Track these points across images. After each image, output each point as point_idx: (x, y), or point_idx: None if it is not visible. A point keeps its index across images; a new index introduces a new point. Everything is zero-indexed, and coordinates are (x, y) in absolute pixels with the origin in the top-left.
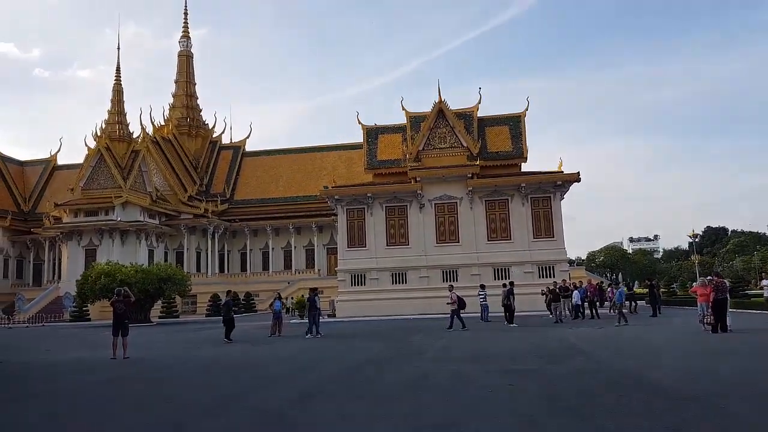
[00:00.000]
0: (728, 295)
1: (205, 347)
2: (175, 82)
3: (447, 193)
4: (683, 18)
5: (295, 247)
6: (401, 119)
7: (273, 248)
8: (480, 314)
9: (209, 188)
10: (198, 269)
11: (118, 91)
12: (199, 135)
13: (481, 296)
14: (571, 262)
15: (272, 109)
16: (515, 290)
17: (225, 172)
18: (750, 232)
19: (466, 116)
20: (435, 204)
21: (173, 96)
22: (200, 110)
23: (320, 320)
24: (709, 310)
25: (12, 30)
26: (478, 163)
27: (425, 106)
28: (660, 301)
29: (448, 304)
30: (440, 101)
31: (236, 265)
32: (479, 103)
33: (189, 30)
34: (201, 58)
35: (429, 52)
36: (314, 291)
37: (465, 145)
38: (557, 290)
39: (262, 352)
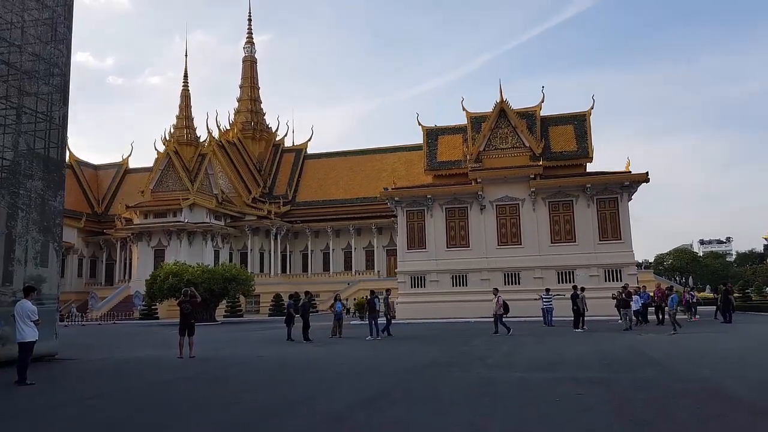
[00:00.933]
0: None
1: (270, 347)
2: (240, 87)
3: (509, 195)
4: (753, 8)
5: (355, 248)
6: (461, 120)
7: (333, 249)
8: (543, 318)
9: (272, 190)
10: (261, 269)
11: (185, 97)
12: (262, 138)
13: (546, 300)
14: (638, 265)
15: (333, 112)
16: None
17: (287, 175)
18: None
19: (528, 115)
20: (496, 205)
21: (238, 101)
22: (264, 114)
23: (390, 322)
24: None
25: (88, 39)
26: (541, 163)
27: (486, 107)
28: (733, 307)
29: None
30: (501, 101)
31: (298, 265)
32: (542, 101)
33: (253, 36)
34: (264, 63)
35: (490, 50)
36: (373, 293)
37: (527, 145)
38: (624, 295)
39: (325, 354)
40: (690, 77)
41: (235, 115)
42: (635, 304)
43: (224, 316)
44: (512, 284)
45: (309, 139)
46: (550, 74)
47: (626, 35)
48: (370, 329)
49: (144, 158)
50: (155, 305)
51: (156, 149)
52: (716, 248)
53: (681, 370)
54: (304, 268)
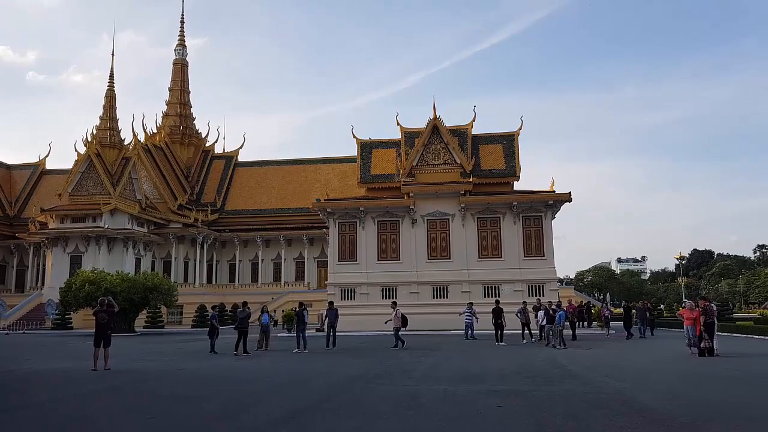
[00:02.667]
0: (715, 319)
1: (191, 360)
2: (169, 90)
3: (440, 210)
4: (676, 45)
5: (285, 259)
6: (396, 134)
7: (263, 259)
8: (465, 332)
9: (200, 197)
10: (185, 279)
11: (110, 97)
12: (191, 144)
13: (467, 314)
14: (560, 281)
15: (266, 121)
16: (505, 308)
17: (216, 182)
18: (735, 255)
19: (460, 133)
20: (427, 220)
21: (167, 104)
22: (193, 119)
23: (308, 334)
24: (705, 334)
25: (8, 33)
26: (471, 180)
27: (420, 122)
28: (643, 323)
29: (386, 322)
30: (435, 118)
31: (225, 275)
32: (473, 120)
33: (185, 38)
34: (197, 68)
35: (425, 68)
36: (302, 305)
37: (458, 162)
38: (551, 310)
39: (250, 367)
40: (613, 105)
41: (163, 118)
42: (542, 319)
43: (144, 327)
44: (440, 297)
45: (240, 147)
46: (481, 94)
47: (555, 61)
48: (297, 342)
49: (63, 159)
50: (70, 314)
51: (76, 150)
52: (632, 266)
53: (597, 383)
54: (232, 279)
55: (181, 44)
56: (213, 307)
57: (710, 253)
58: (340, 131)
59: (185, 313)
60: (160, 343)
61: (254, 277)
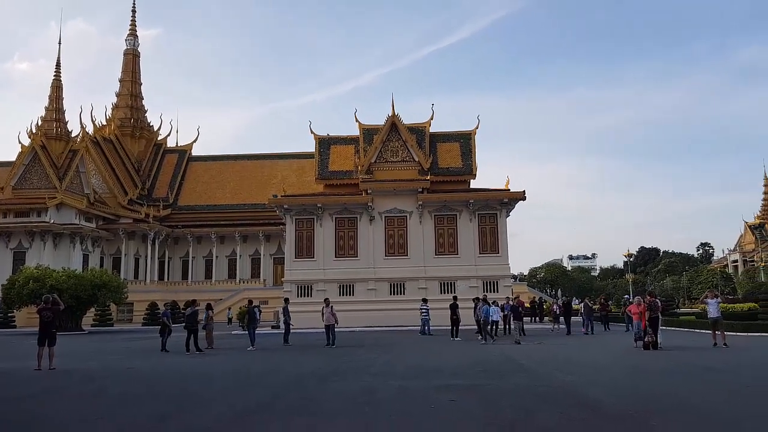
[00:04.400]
0: (660, 314)
1: (141, 358)
2: (120, 81)
3: (397, 207)
4: (628, 47)
5: (240, 255)
6: (354, 131)
7: (217, 256)
8: (420, 328)
9: (151, 192)
10: (136, 276)
11: (57, 87)
12: (142, 137)
13: (423, 310)
14: (514, 278)
15: (222, 115)
16: (460, 305)
17: (169, 177)
18: (680, 253)
19: (418, 131)
20: (385, 217)
21: (117, 95)
22: (145, 111)
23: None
24: (649, 329)
25: None
26: (428, 178)
27: (379, 120)
28: (589, 319)
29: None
30: (393, 115)
31: (177, 272)
32: (431, 118)
33: (136, 28)
34: (149, 60)
35: (385, 66)
36: (251, 303)
37: (416, 159)
38: (519, 307)
39: (201, 365)
40: (568, 105)
41: (113, 110)
42: (495, 315)
43: (92, 325)
44: (397, 294)
45: (194, 141)
46: (440, 93)
47: (512, 61)
48: (251, 339)
49: (5, 152)
50: (13, 313)
51: (20, 142)
52: (583, 263)
53: (547, 377)
54: (185, 276)
55: (133, 34)
56: (165, 305)
57: (656, 250)
58: (298, 127)
59: (136, 311)
60: (109, 341)
61: (208, 274)
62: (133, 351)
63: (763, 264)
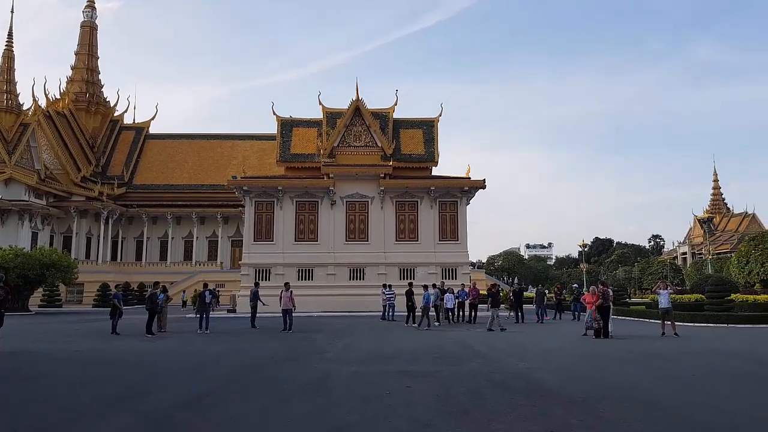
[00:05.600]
0: (611, 303)
1: (90, 341)
2: (76, 54)
3: (359, 192)
4: (588, 41)
5: (197, 237)
6: (318, 114)
7: (173, 237)
8: (383, 313)
9: (106, 170)
10: (87, 256)
11: (8, 58)
12: (98, 112)
13: (388, 295)
14: (472, 265)
15: (182, 93)
16: (414, 291)
17: (125, 154)
18: (632, 244)
19: (382, 116)
20: (346, 201)
21: (72, 69)
22: (102, 86)
23: (216, 315)
24: (598, 316)
25: None
26: (391, 163)
27: (343, 103)
28: (540, 307)
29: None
30: (357, 99)
31: (131, 253)
32: (395, 104)
33: (95, 0)
34: (108, 33)
35: (350, 49)
36: (206, 286)
37: (379, 145)
38: (495, 292)
39: (154, 349)
40: (529, 96)
41: (67, 84)
42: (449, 302)
43: (40, 306)
44: (357, 279)
45: (152, 118)
46: (404, 79)
47: (476, 50)
48: (199, 323)
49: None
50: None
51: None
52: (540, 252)
53: (502, 363)
54: (138, 257)
55: (91, 6)
56: (116, 286)
57: (610, 241)
58: (260, 107)
59: (86, 292)
60: (57, 323)
61: (163, 256)
62: (82, 333)
63: (710, 257)
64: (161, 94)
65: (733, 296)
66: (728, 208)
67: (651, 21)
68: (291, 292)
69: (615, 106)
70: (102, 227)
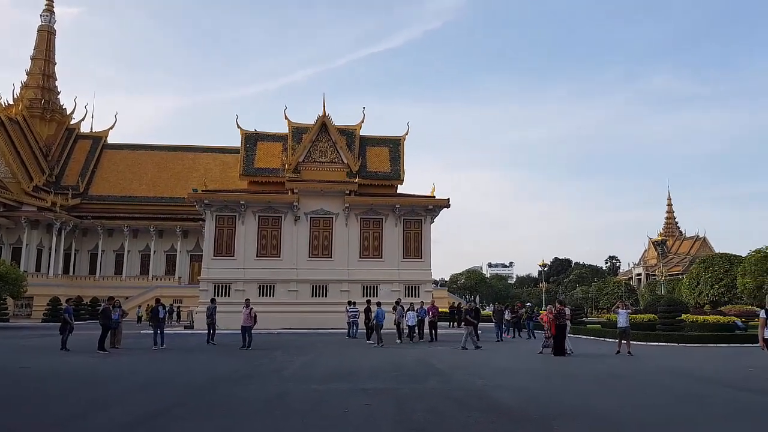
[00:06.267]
0: (569, 322)
1: (38, 357)
2: (32, 59)
3: (324, 208)
4: (551, 68)
5: (154, 251)
6: (283, 129)
7: (129, 251)
8: (348, 331)
9: (60, 180)
10: (38, 269)
11: None
12: (54, 120)
13: (352, 313)
14: (435, 283)
15: (143, 103)
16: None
17: (80, 164)
18: (590, 265)
19: (348, 133)
20: (311, 217)
21: (27, 74)
22: (58, 93)
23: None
24: (549, 334)
25: None
26: (356, 180)
27: (309, 119)
28: (498, 326)
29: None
30: (324, 115)
31: (84, 266)
32: (362, 121)
33: (54, 4)
34: (67, 39)
35: (317, 65)
36: (158, 301)
37: (345, 161)
38: (473, 311)
39: (106, 365)
40: (493, 118)
41: (22, 89)
42: (411, 320)
43: None
44: (320, 296)
45: (111, 128)
46: (372, 97)
47: (443, 71)
48: (154, 339)
49: None
50: None
51: None
52: (501, 271)
53: (460, 381)
54: (92, 270)
55: (49, 10)
56: (68, 300)
57: (569, 261)
58: (224, 121)
59: (36, 306)
60: (3, 338)
61: (118, 270)
62: (30, 349)
63: (663, 278)
64: (121, 103)
65: (684, 316)
66: (681, 232)
67: (610, 51)
68: (251, 309)
69: (575, 131)
70: (54, 239)
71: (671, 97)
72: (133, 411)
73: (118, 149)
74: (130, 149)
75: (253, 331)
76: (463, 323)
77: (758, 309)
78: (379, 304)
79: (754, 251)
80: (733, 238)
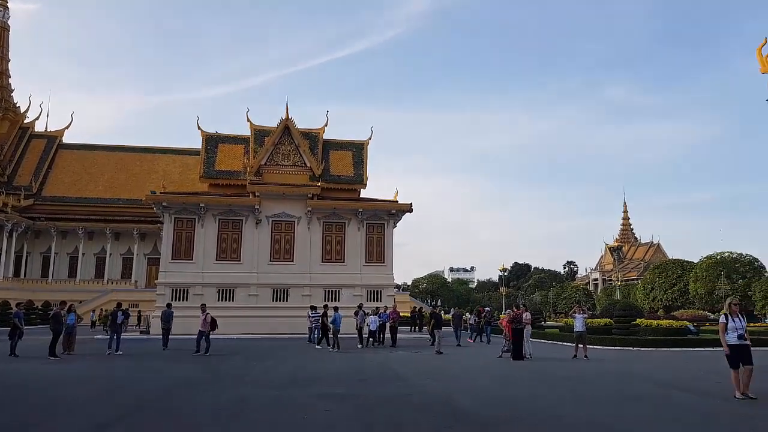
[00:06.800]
0: (528, 326)
1: None
2: None
3: (286, 211)
4: (510, 76)
5: (110, 254)
6: (245, 131)
7: (84, 254)
8: (309, 336)
9: (12, 180)
10: None
11: None
12: (6, 118)
13: (314, 318)
14: (397, 287)
15: (103, 103)
16: (344, 313)
17: (34, 164)
18: (549, 270)
19: (311, 137)
20: (272, 221)
21: None
22: (12, 91)
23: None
24: (509, 338)
25: None
26: (319, 184)
27: (272, 122)
28: (456, 330)
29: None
30: (287, 118)
31: (36, 269)
32: (326, 125)
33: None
34: (22, 36)
35: (282, 68)
36: (120, 305)
37: (308, 165)
38: (437, 314)
39: (57, 372)
40: (456, 126)
41: None
42: (372, 324)
43: None
44: (281, 301)
45: (67, 127)
46: (335, 101)
47: (407, 78)
48: (109, 343)
49: None
50: None
51: None
52: (462, 276)
53: (421, 385)
54: (45, 273)
55: (3, 5)
56: (18, 305)
57: (528, 266)
58: (184, 122)
59: None
60: None
61: (72, 273)
62: None
63: (619, 283)
64: (79, 103)
65: (638, 321)
66: (636, 238)
67: (568, 61)
68: (207, 314)
69: (536, 139)
70: (5, 241)
71: (626, 107)
72: (82, 421)
73: (74, 149)
74: (87, 149)
75: (212, 337)
76: (432, 327)
77: (709, 314)
78: (336, 308)
79: (705, 257)
80: (686, 245)
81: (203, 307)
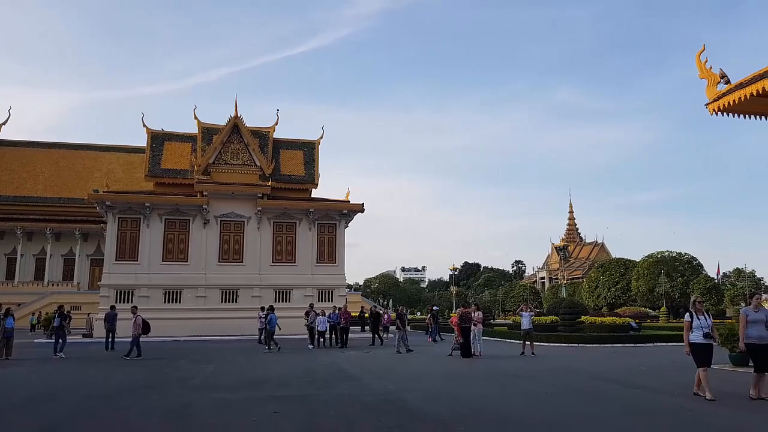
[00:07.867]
0: (480, 324)
1: None
2: None
3: (235, 211)
4: (461, 78)
5: (51, 255)
6: (192, 129)
7: (22, 255)
8: (258, 337)
9: None
10: None
11: None
12: None
13: (261, 318)
14: (349, 287)
15: (42, 97)
16: (294, 314)
17: None
18: (497, 269)
19: (261, 135)
20: (221, 221)
21: None
22: None
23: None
24: (459, 337)
25: None
26: (270, 184)
27: (220, 120)
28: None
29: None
30: (236, 116)
31: None
32: (276, 124)
33: None
34: None
35: (230, 66)
36: (62, 308)
37: (258, 164)
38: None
39: None
40: (407, 126)
41: None
42: (322, 325)
43: None
44: (230, 302)
45: (4, 123)
46: (285, 100)
47: (359, 79)
48: (54, 347)
49: None
50: None
51: None
52: (414, 275)
53: (371, 385)
54: None
55: None
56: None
57: (478, 265)
58: (129, 120)
59: None
60: None
61: (10, 275)
62: None
63: (565, 281)
64: (16, 97)
65: (583, 318)
66: (581, 238)
67: (518, 64)
68: (138, 316)
69: (485, 141)
70: None
71: (573, 110)
72: (23, 426)
73: (10, 146)
74: (25, 146)
75: (159, 339)
76: (395, 327)
77: (650, 310)
78: (272, 308)
79: (646, 256)
80: (628, 244)
81: (134, 310)
